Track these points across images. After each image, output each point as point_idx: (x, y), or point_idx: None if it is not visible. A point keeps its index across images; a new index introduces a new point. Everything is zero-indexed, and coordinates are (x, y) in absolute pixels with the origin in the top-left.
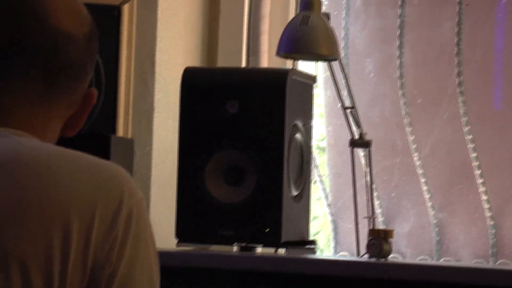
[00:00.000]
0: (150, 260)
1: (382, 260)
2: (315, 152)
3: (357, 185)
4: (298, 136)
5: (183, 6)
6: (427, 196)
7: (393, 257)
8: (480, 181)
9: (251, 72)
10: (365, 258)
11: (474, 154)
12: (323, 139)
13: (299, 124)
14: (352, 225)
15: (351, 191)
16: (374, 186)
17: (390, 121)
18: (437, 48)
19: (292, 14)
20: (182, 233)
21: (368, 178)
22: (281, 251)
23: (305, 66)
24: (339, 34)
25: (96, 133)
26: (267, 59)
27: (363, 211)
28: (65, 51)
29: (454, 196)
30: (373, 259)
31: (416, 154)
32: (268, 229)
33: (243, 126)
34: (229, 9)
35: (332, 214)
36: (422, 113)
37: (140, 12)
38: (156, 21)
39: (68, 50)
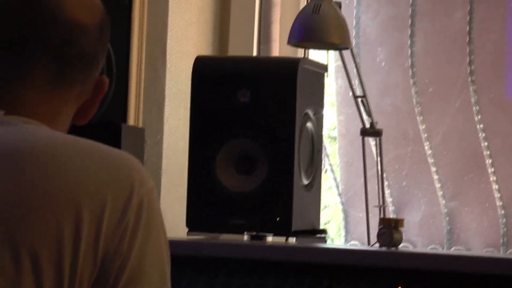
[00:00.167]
0: (161, 249)
1: (393, 249)
2: (326, 141)
3: (368, 174)
4: (309, 125)
5: None
6: (438, 185)
7: (403, 246)
8: (491, 170)
9: (262, 61)
10: (376, 247)
11: (485, 143)
12: (334, 128)
13: (310, 113)
14: (362, 214)
15: (362, 180)
16: (385, 175)
17: (402, 110)
18: (448, 37)
19: (303, 2)
20: (193, 222)
21: (379, 167)
22: (292, 240)
23: (316, 55)
24: (351, 22)
25: (107, 122)
26: (278, 48)
27: (374, 200)
28: (77, 41)
29: (465, 185)
30: (383, 248)
31: (427, 143)
32: (278, 218)
33: (254, 115)
34: None
35: (342, 203)
36: (434, 102)
37: (151, 1)
38: (167, 10)
39: (80, 40)
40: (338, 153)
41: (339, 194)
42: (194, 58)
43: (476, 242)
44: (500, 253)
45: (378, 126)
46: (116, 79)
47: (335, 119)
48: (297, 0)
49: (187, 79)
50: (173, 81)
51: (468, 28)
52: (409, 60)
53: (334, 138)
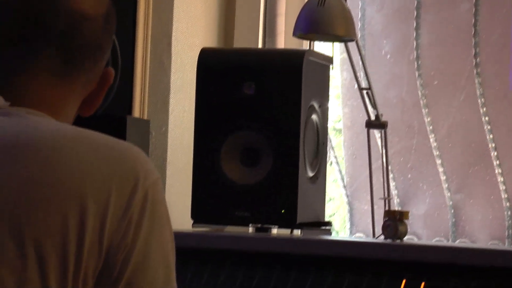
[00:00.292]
0: (166, 241)
1: (398, 241)
2: (331, 134)
3: (373, 166)
4: (314, 117)
5: None
6: (443, 177)
7: (408, 239)
8: (496, 162)
9: (267, 53)
10: (381, 239)
11: (491, 136)
12: (339, 121)
13: (315, 105)
14: (367, 207)
15: (367, 172)
16: (390, 167)
17: (407, 103)
18: (454, 29)
19: None
20: (198, 214)
21: (384, 160)
22: (297, 232)
23: (321, 47)
24: (356, 15)
25: (112, 114)
26: (284, 40)
27: (379, 193)
28: (81, 32)
29: (470, 178)
30: (388, 241)
31: (432, 136)
32: (283, 210)
33: (259, 107)
34: None
35: (347, 196)
36: (439, 94)
37: None
38: (172, 2)
39: (84, 30)
40: (343, 146)
41: (344, 187)
42: (200, 50)
43: (481, 235)
44: (505, 246)
45: (383, 119)
46: (121, 71)
47: (340, 112)
48: None
49: (193, 71)
50: (178, 73)
51: (473, 20)
52: (415, 52)
53: (339, 131)
